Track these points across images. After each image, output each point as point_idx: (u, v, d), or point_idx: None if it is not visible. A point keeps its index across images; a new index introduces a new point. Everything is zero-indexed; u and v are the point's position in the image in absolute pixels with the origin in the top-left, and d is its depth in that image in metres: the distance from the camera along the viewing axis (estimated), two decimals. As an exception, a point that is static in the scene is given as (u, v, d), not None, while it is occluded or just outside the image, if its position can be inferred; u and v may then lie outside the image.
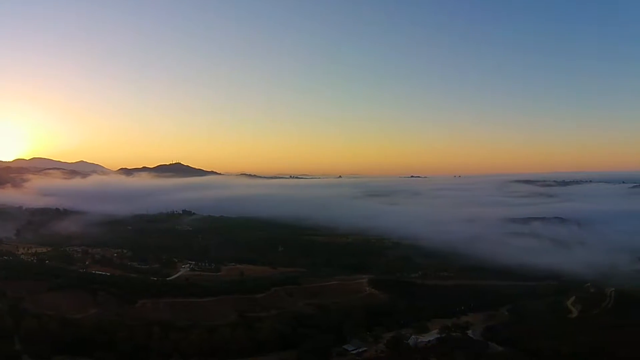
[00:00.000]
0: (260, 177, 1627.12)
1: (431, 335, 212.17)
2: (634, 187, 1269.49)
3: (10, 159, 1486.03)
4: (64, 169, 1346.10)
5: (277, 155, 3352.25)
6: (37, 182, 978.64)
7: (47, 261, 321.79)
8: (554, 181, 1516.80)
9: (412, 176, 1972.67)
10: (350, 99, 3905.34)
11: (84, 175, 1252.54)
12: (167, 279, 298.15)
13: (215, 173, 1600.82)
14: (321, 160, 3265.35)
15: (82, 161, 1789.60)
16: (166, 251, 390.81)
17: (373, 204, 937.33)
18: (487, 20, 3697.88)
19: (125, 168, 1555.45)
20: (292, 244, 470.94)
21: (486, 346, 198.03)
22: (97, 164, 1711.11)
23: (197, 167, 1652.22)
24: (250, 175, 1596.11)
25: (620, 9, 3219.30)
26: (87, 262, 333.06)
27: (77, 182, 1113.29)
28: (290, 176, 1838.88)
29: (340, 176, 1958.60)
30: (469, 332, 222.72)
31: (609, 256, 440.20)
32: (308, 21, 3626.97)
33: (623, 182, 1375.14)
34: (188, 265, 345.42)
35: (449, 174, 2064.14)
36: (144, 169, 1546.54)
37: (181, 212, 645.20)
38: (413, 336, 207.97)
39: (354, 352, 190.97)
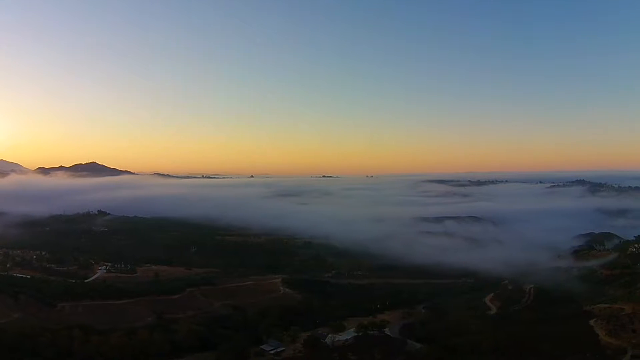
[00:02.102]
0: (173, 176, 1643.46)
1: (348, 334, 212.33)
2: (551, 186, 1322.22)
3: None
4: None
5: (190, 154, 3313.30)
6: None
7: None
8: (469, 181, 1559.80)
9: (324, 176, 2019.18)
10: (261, 99, 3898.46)
11: (3, 174, 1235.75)
12: (85, 281, 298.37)
13: (129, 172, 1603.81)
14: (233, 159, 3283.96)
15: (1, 160, 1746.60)
16: (83, 252, 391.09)
17: (284, 203, 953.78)
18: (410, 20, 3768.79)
19: (43, 167, 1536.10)
20: (205, 245, 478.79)
21: (404, 343, 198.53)
22: (15, 163, 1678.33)
23: (111, 167, 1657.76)
24: (163, 175, 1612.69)
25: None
26: (8, 265, 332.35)
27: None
28: (203, 176, 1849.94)
29: (252, 176, 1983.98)
30: (386, 330, 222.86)
31: (526, 254, 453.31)
32: (227, 19, 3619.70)
33: (540, 182, 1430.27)
34: (105, 266, 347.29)
35: (362, 174, 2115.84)
36: (61, 168, 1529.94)
37: (97, 212, 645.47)
38: (330, 335, 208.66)
39: (272, 352, 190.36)
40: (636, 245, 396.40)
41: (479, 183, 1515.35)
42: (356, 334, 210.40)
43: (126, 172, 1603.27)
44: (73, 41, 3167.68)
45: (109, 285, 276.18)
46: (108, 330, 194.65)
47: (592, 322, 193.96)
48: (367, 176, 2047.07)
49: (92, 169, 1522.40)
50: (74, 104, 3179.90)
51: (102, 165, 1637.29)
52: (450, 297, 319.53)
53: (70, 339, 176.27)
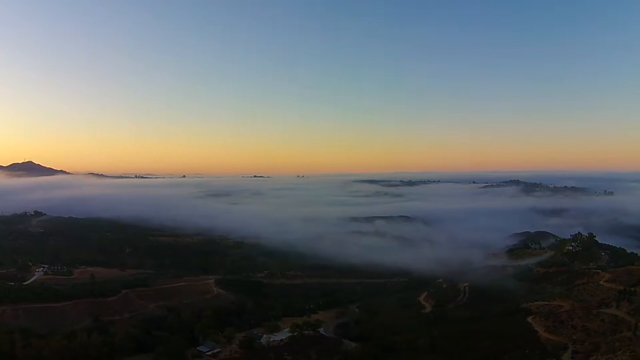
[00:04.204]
0: (107, 176, 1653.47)
1: (283, 334, 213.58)
2: (484, 186, 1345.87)
3: None
4: None
5: (123, 154, 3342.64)
6: None
7: None
8: (400, 181, 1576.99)
9: (255, 176, 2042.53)
10: (191, 99, 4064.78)
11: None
12: (24, 283, 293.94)
13: (65, 172, 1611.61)
14: (166, 159, 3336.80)
15: None
16: (21, 254, 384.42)
17: (216, 203, 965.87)
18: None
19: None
20: (139, 245, 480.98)
21: (340, 343, 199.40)
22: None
23: (47, 166, 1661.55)
24: (97, 175, 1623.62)
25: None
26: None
27: None
28: (136, 175, 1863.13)
29: (184, 175, 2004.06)
30: (321, 330, 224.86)
31: (460, 253, 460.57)
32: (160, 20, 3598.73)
33: (473, 182, 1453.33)
34: (42, 268, 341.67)
35: (293, 174, 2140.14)
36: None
37: (33, 213, 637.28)
38: (265, 335, 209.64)
39: (209, 353, 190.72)
40: (573, 244, 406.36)
41: (411, 183, 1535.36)
42: (291, 334, 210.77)
43: (61, 171, 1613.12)
44: (6, 40, 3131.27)
45: (48, 287, 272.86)
46: (48, 333, 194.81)
47: (530, 319, 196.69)
48: (298, 176, 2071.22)
49: (29, 168, 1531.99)
50: (11, 102, 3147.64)
51: (39, 164, 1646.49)
52: (384, 296, 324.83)
53: (12, 343, 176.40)
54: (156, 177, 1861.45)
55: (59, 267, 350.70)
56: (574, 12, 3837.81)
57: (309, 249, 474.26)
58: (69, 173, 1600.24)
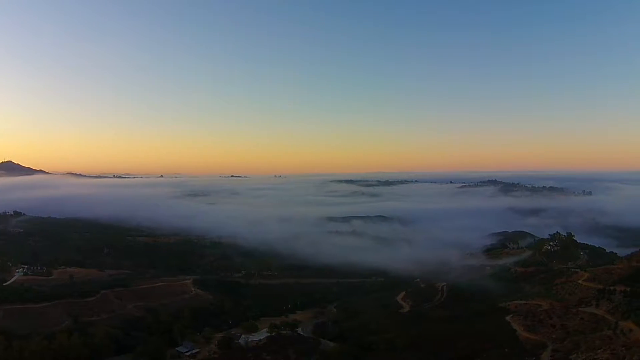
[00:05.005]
0: (85, 176, 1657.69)
1: (261, 334, 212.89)
2: (462, 186, 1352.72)
3: None
4: None
5: (101, 154, 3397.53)
6: None
7: None
8: (377, 181, 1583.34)
9: (232, 176, 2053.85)
10: (170, 99, 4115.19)
11: None
12: (4, 284, 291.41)
13: (43, 172, 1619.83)
14: (144, 159, 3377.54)
15: None
16: (0, 254, 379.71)
17: (193, 203, 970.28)
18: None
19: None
20: (117, 246, 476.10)
21: (318, 343, 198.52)
22: None
23: (26, 166, 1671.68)
24: (76, 174, 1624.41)
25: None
26: None
27: None
28: (114, 175, 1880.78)
29: (161, 175, 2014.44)
30: (299, 330, 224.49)
31: (438, 253, 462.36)
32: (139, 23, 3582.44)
33: (451, 182, 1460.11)
34: (22, 269, 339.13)
35: (270, 174, 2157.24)
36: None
37: (12, 213, 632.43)
38: (243, 336, 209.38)
39: (188, 354, 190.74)
40: (551, 244, 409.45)
41: (388, 183, 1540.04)
42: (269, 334, 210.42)
43: (40, 171, 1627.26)
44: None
45: (28, 288, 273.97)
46: (28, 335, 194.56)
47: (508, 318, 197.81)
48: (275, 176, 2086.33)
49: (8, 168, 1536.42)
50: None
51: (18, 164, 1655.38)
52: (362, 296, 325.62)
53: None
54: (134, 177, 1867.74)
55: (39, 268, 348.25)
56: (550, 10, 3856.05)
57: (286, 249, 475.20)
58: (48, 173, 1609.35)
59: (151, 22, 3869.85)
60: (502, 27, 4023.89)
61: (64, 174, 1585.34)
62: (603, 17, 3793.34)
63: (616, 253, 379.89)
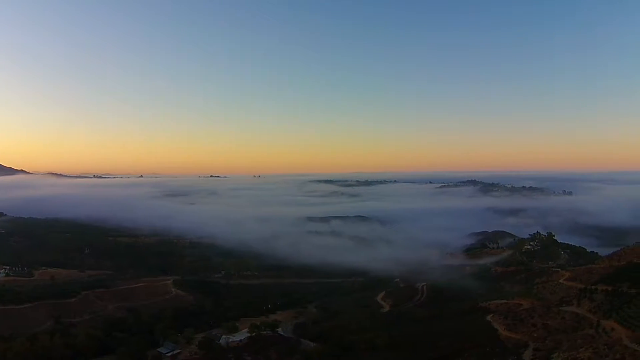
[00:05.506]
0: (66, 176, 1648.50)
1: (242, 335, 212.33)
2: (441, 186, 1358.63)
3: None
4: None
5: (82, 154, 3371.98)
6: None
7: None
8: (357, 181, 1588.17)
9: (211, 176, 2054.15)
10: (148, 99, 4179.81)
11: None
12: None
13: (24, 172, 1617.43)
14: (123, 159, 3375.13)
15: None
16: None
17: (173, 204, 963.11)
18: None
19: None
20: (97, 246, 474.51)
21: (299, 343, 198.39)
22: None
23: (7, 166, 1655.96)
24: (56, 175, 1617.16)
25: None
26: None
27: None
28: (94, 175, 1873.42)
29: (141, 175, 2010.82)
30: (280, 330, 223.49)
31: (417, 253, 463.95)
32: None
33: (430, 182, 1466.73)
34: (3, 270, 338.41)
35: (249, 174, 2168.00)
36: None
37: None
38: (224, 336, 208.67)
39: (169, 354, 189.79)
40: (532, 243, 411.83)
41: (367, 183, 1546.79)
42: (249, 335, 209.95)
43: (21, 171, 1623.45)
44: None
45: (9, 289, 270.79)
46: (11, 336, 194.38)
47: (489, 317, 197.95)
48: (254, 176, 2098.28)
49: None
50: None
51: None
52: (342, 296, 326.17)
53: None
54: (114, 177, 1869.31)
55: (20, 269, 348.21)
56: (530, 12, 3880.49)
57: (265, 249, 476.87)
58: (28, 173, 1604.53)
59: (135, 20, 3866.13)
60: (485, 27, 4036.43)
61: (44, 174, 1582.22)
62: (589, 18, 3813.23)
63: (597, 252, 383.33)
